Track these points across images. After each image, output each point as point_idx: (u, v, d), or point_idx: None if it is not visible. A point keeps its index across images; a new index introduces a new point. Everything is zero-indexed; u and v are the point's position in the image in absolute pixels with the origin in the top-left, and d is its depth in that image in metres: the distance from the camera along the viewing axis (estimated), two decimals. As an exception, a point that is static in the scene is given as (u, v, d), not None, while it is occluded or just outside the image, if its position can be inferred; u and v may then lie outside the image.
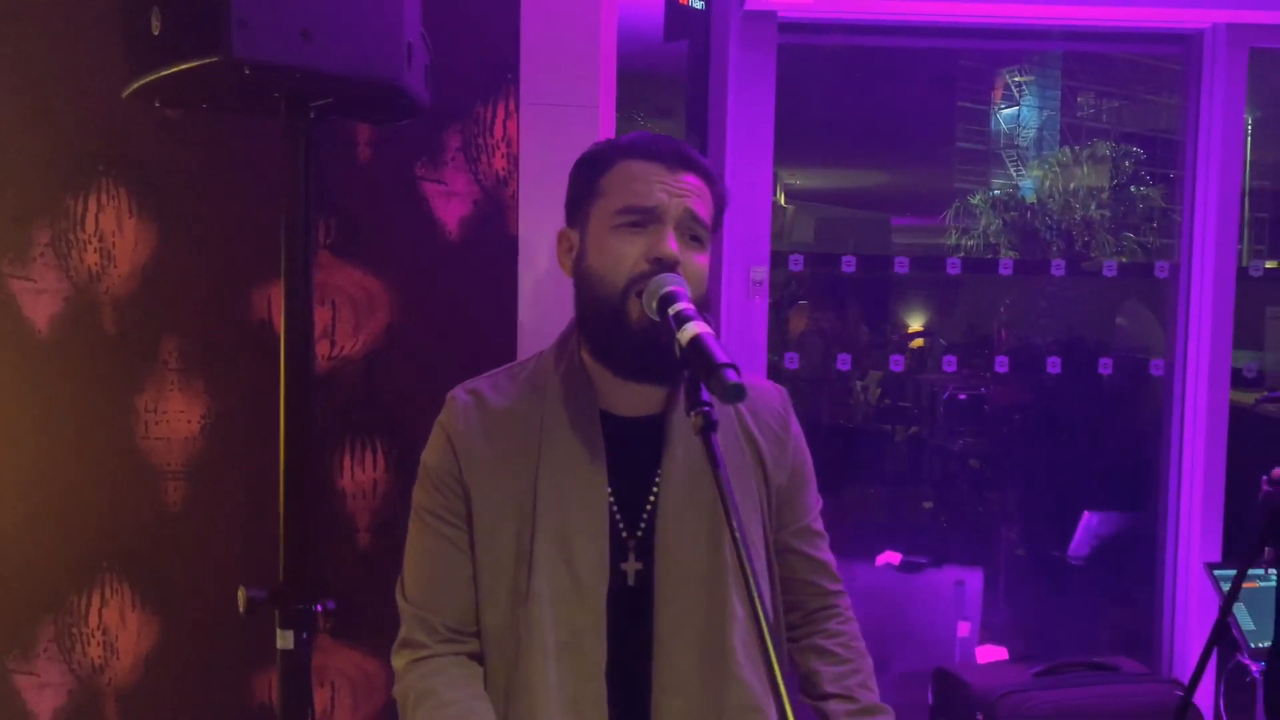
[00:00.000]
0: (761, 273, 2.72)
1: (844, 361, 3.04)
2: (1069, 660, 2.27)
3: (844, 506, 3.50)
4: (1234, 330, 2.75)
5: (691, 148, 1.29)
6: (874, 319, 3.60)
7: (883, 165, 4.85)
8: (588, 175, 1.27)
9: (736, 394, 0.98)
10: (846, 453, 3.69)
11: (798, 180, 4.66)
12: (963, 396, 3.64)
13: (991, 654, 2.62)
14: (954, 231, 4.97)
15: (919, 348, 3.85)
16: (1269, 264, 4.65)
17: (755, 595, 0.91)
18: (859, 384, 3.76)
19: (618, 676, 1.21)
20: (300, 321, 1.40)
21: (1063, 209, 5.44)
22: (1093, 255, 5.03)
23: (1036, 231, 5.46)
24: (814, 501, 1.40)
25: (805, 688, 1.35)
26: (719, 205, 1.29)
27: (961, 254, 4.80)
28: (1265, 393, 2.30)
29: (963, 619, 3.07)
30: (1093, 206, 5.40)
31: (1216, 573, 2.38)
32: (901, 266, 2.95)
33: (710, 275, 1.28)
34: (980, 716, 2.14)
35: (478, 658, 1.26)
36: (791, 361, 2.91)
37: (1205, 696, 2.68)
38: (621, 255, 1.20)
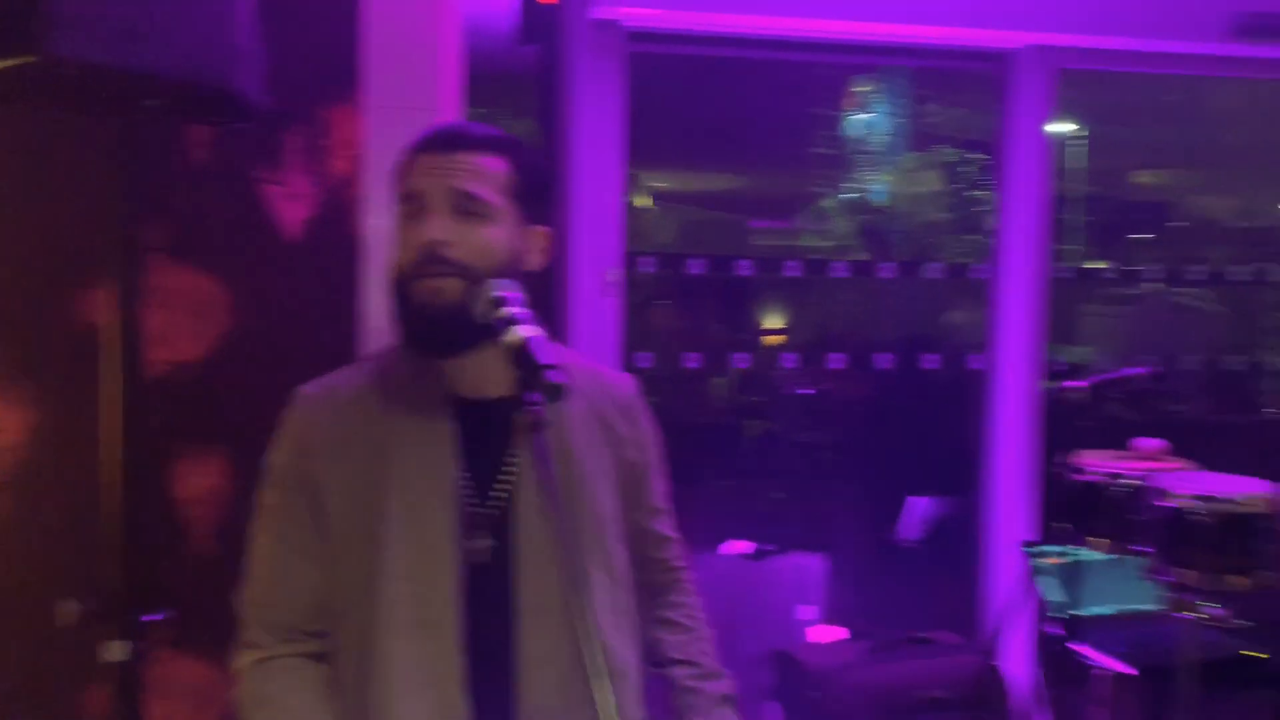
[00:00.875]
0: (615, 274, 2.80)
1: (693, 360, 3.14)
2: (894, 636, 2.43)
3: (699, 500, 3.62)
4: (1067, 326, 2.97)
5: (480, 126, 1.31)
6: (726, 318, 3.74)
7: (743, 169, 5.00)
8: (395, 176, 1.31)
9: (557, 393, 1.04)
10: (700, 449, 3.81)
11: (665, 183, 4.76)
12: (808, 392, 3.81)
13: (830, 635, 2.77)
14: (809, 233, 5.18)
15: (771, 345, 4.00)
16: (1096, 264, 5.01)
17: (612, 564, 0.95)
18: (717, 381, 3.89)
19: (479, 653, 1.23)
20: (130, 325, 1.38)
21: (909, 212, 5.74)
22: (936, 257, 5.32)
23: (886, 234, 5.73)
24: (662, 482, 1.47)
25: (651, 656, 1.42)
26: (522, 173, 1.29)
27: (820, 255, 5.00)
28: (1062, 381, 2.51)
29: (806, 603, 3.22)
30: (937, 210, 5.72)
31: (1030, 550, 2.59)
32: (745, 269, 3.08)
33: (559, 274, 1.32)
34: (815, 693, 2.27)
35: (321, 658, 1.28)
36: (644, 360, 3.00)
37: (1025, 664, 2.92)
38: (403, 244, 1.24)
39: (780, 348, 3.93)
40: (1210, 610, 2.45)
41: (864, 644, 2.44)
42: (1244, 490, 1.78)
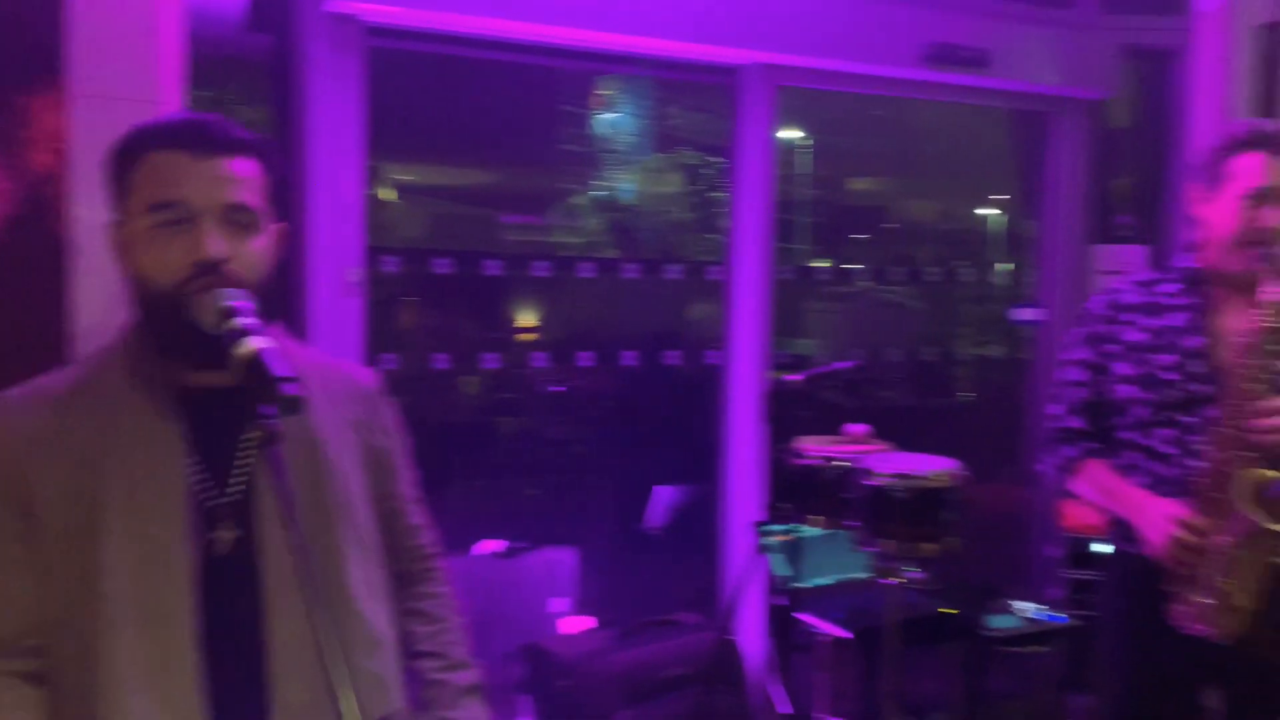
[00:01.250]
0: (357, 273, 2.73)
1: (442, 360, 3.13)
2: (640, 621, 2.56)
3: (452, 501, 3.61)
4: (795, 322, 3.21)
5: (234, 126, 1.25)
6: (476, 316, 3.74)
7: (493, 164, 5.00)
8: (118, 167, 1.22)
9: (293, 407, 1.03)
10: (452, 449, 3.80)
11: (412, 177, 4.68)
12: (558, 389, 3.89)
13: (579, 625, 2.85)
14: (560, 230, 5.27)
15: (522, 343, 4.05)
16: (820, 264, 5.42)
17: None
18: (467, 380, 3.88)
19: (222, 647, 1.20)
20: None
21: (655, 211, 5.97)
22: (679, 255, 5.57)
23: (633, 232, 5.93)
24: (410, 470, 1.46)
25: (402, 648, 1.41)
26: (271, 173, 1.26)
27: (567, 252, 5.10)
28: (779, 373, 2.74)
29: (558, 596, 3.30)
30: (681, 210, 5.99)
31: (759, 529, 2.79)
32: (494, 268, 3.11)
33: (297, 273, 1.29)
34: (564, 682, 2.34)
35: (39, 679, 1.19)
36: (390, 362, 2.96)
37: (758, 636, 3.14)
38: (164, 258, 1.18)
39: (531, 346, 3.98)
40: (910, 575, 2.75)
41: (611, 631, 2.54)
42: (933, 468, 2.03)
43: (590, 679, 2.32)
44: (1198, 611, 1.83)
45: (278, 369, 1.04)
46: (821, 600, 2.73)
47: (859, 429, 2.29)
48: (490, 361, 3.30)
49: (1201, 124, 3.31)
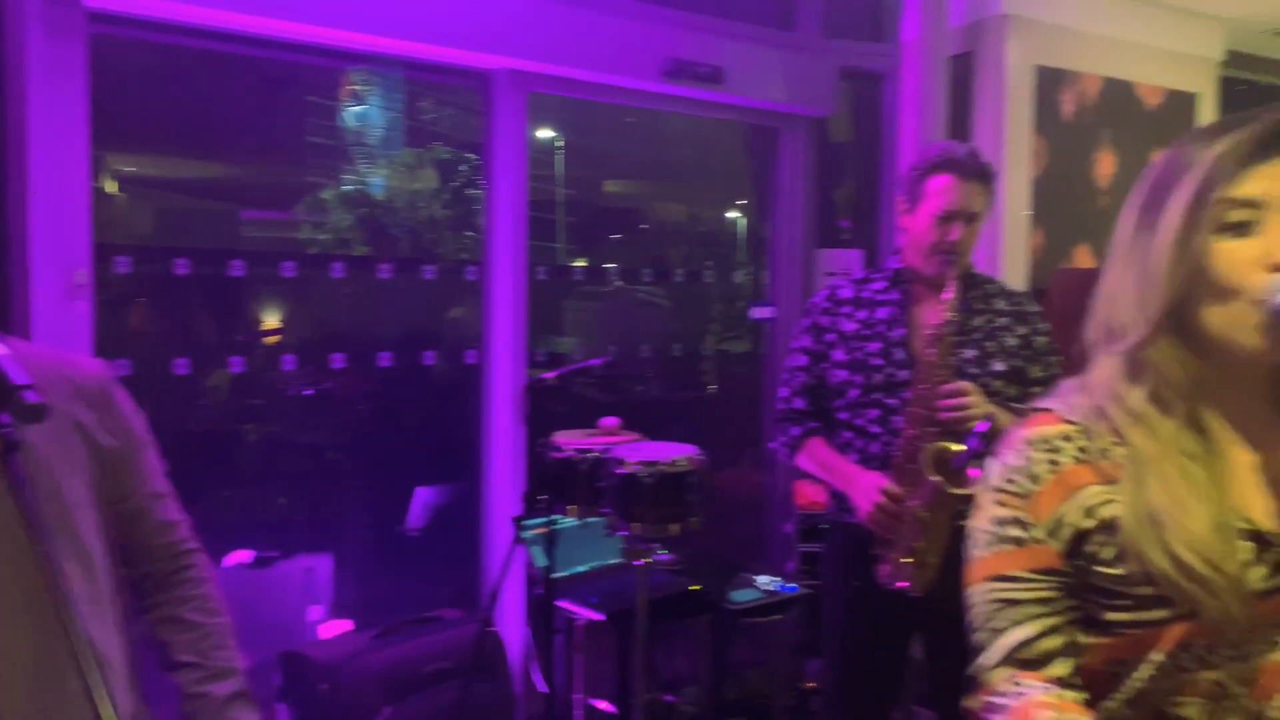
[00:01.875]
0: (83, 275, 2.56)
1: (182, 365, 2.99)
2: (400, 620, 2.57)
3: (198, 513, 3.42)
4: (556, 320, 3.29)
5: None
6: (218, 317, 3.57)
7: (233, 157, 4.75)
8: None
9: (35, 414, 0.99)
10: (196, 459, 3.61)
11: (146, 170, 4.36)
12: (309, 392, 3.79)
13: (336, 629, 2.82)
14: (308, 226, 5.08)
15: (271, 345, 3.89)
16: (578, 263, 5.54)
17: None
18: (214, 385, 3.69)
19: None
20: None
21: (408, 208, 5.88)
22: (435, 253, 5.52)
23: (386, 228, 5.80)
24: (156, 464, 1.39)
25: (161, 661, 1.35)
26: None
27: (315, 249, 4.92)
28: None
29: (315, 603, 3.24)
30: (436, 207, 5.93)
31: (518, 523, 2.87)
32: (238, 268, 3.00)
33: (15, 276, 1.22)
34: (324, 686, 2.32)
35: None
36: (124, 368, 2.79)
37: (519, 626, 3.22)
38: None
39: (279, 348, 3.85)
40: (659, 556, 2.93)
41: (369, 632, 2.54)
42: (676, 454, 2.19)
43: (350, 680, 2.31)
44: (898, 570, 2.09)
45: (16, 377, 1.01)
46: (579, 587, 2.85)
47: (611, 422, 2.42)
48: (236, 365, 3.19)
49: (907, 142, 3.71)
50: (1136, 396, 1.01)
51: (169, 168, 4.66)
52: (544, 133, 5.40)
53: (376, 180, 5.58)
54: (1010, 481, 1.03)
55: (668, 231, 6.15)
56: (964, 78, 3.73)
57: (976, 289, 2.26)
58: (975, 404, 2.06)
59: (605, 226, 6.00)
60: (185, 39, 2.82)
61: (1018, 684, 0.99)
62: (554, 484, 2.33)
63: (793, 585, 3.23)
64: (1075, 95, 3.83)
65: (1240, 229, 0.96)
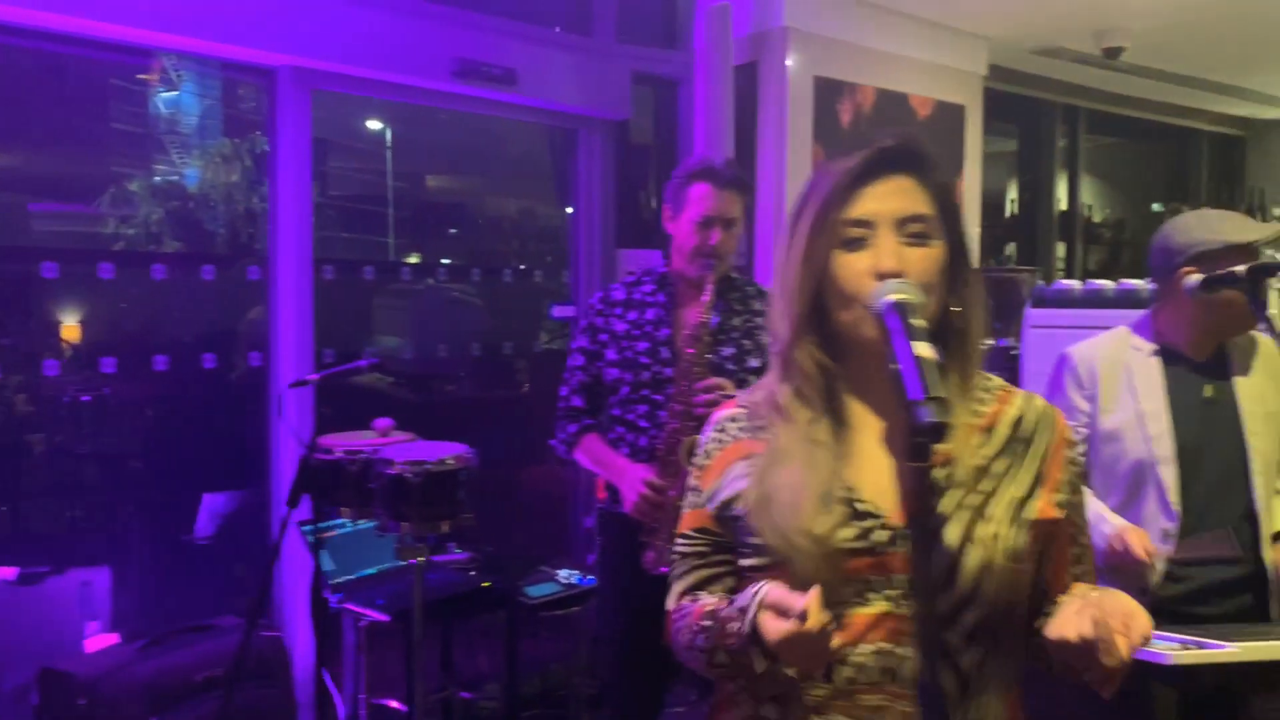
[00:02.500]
0: None
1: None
2: (171, 630, 2.50)
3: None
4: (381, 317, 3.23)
5: None
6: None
7: (18, 144, 4.43)
8: None
9: None
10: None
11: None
12: (85, 399, 3.61)
13: (103, 643, 2.71)
14: (111, 221, 4.79)
15: (42, 350, 3.68)
16: (409, 260, 5.45)
17: None
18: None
19: None
20: None
21: (225, 200, 5.62)
22: (256, 249, 5.30)
23: (200, 222, 5.53)
24: None
25: None
26: None
27: (122, 244, 4.66)
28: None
29: (91, 618, 3.09)
30: (255, 200, 5.69)
31: (304, 527, 2.83)
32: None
33: None
34: (82, 701, 2.24)
35: None
36: None
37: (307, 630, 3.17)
38: None
39: (53, 352, 3.64)
40: (455, 555, 2.96)
41: (135, 644, 2.46)
42: (443, 453, 2.22)
43: (110, 693, 2.24)
44: (660, 556, 2.20)
45: None
46: (368, 589, 2.84)
47: (384, 422, 2.43)
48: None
49: (699, 147, 3.85)
50: (784, 392, 1.16)
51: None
52: (374, 124, 5.29)
53: (191, 170, 5.32)
54: (698, 455, 1.24)
55: (504, 228, 6.14)
56: (750, 86, 3.91)
57: (736, 291, 2.40)
58: (728, 391, 2.19)
59: (430, 222, 5.92)
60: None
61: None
62: (326, 487, 2.32)
63: (591, 578, 3.32)
64: (853, 105, 4.07)
65: (855, 244, 1.12)
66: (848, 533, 1.09)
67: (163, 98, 3.72)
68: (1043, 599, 1.16)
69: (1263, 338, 2.22)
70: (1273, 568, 2.03)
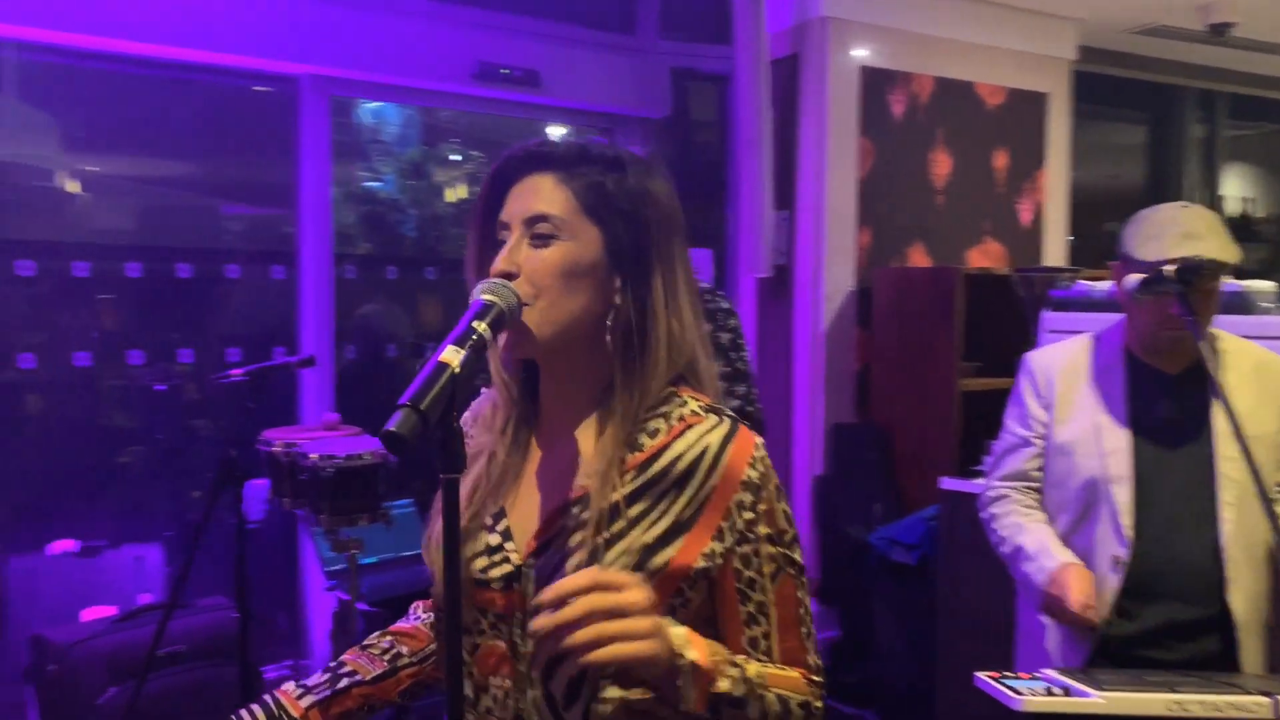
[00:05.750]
0: None
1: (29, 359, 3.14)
2: (150, 604, 2.67)
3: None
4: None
5: None
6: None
7: (218, 155, 4.79)
8: None
9: None
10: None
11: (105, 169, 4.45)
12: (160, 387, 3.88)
13: (98, 614, 2.91)
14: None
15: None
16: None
17: None
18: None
19: None
20: None
21: (415, 205, 5.94)
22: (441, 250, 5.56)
23: (391, 225, 5.89)
24: None
25: None
26: None
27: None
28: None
29: (144, 591, 3.35)
30: (439, 204, 5.97)
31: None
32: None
33: None
34: (53, 667, 2.43)
35: None
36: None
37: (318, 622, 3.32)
38: None
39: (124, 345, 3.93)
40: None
41: (112, 617, 2.65)
42: (361, 448, 2.27)
43: (76, 661, 2.42)
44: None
45: None
46: (367, 577, 2.91)
47: (331, 417, 2.50)
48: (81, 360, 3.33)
49: (742, 143, 3.74)
50: (491, 400, 1.14)
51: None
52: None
53: (388, 177, 5.62)
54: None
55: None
56: (793, 80, 3.77)
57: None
58: None
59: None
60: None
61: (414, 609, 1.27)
62: (273, 478, 2.40)
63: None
64: (907, 96, 3.85)
65: (501, 246, 1.05)
66: (480, 563, 1.05)
67: (368, 108, 3.96)
68: None
69: (1260, 350, 1.95)
70: (1240, 611, 1.78)
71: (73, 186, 3.97)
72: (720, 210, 4.09)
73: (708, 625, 1.03)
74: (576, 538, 1.00)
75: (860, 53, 3.73)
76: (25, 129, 3.75)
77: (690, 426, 1.05)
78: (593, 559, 0.99)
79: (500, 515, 1.06)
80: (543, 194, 1.04)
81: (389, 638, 1.23)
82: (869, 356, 3.73)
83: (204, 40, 3.02)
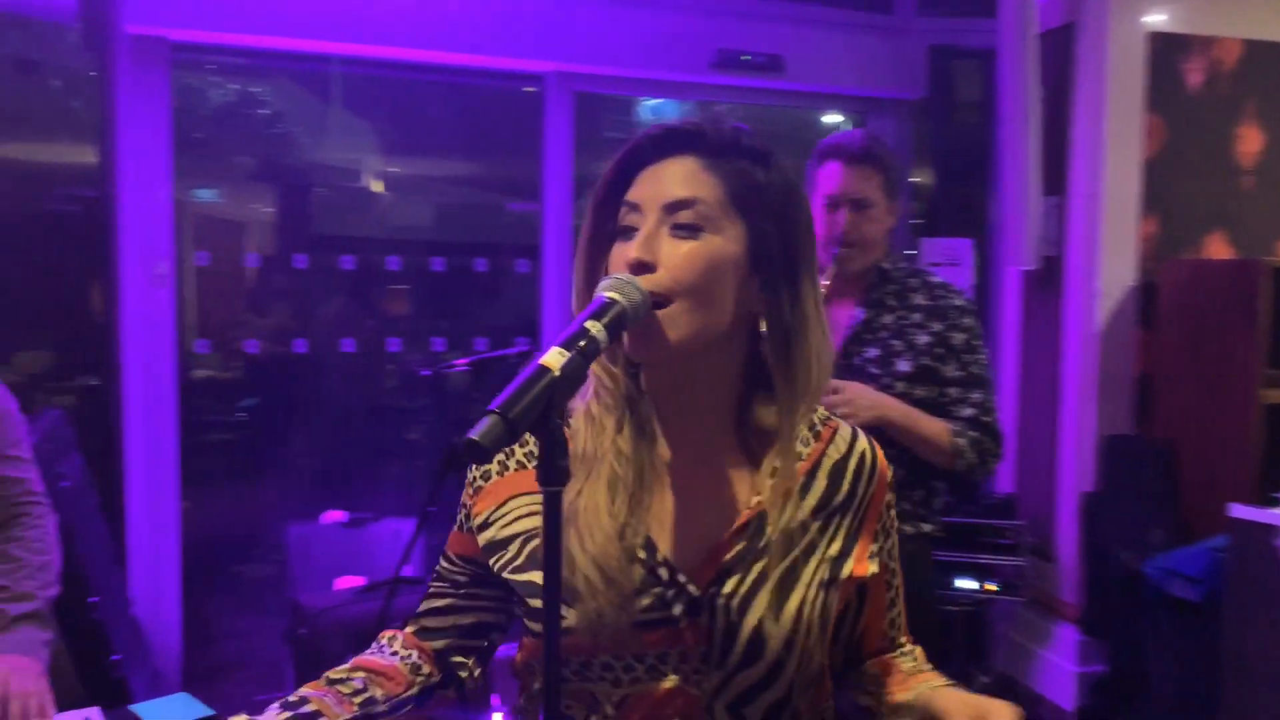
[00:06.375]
0: (164, 267, 3.05)
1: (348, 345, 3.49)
2: (386, 579, 2.82)
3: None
4: None
5: None
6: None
7: (501, 153, 5.15)
8: None
9: None
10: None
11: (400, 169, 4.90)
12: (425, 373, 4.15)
13: (350, 583, 3.11)
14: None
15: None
16: None
17: None
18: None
19: None
20: None
21: None
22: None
23: None
24: (12, 435, 1.70)
25: None
26: None
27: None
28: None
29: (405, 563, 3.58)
30: None
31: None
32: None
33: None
34: (304, 630, 2.63)
35: None
36: (203, 346, 3.30)
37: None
38: None
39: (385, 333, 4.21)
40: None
41: (358, 587, 2.82)
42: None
43: (323, 627, 2.60)
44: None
45: None
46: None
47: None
48: (348, 345, 3.61)
49: (1006, 123, 3.41)
50: (593, 401, 0.99)
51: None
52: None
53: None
54: (474, 473, 1.04)
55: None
56: (1067, 52, 3.39)
57: (891, 284, 2.12)
58: (855, 404, 1.95)
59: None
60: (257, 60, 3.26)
61: (382, 641, 1.09)
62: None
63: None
64: (1206, 64, 3.34)
65: (629, 232, 0.93)
66: (645, 600, 0.92)
67: (649, 105, 4.13)
68: (856, 651, 1.08)
69: None
70: None
71: (377, 186, 4.33)
72: (982, 196, 3.76)
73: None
74: (763, 561, 0.93)
75: (1150, 18, 3.28)
76: (348, 134, 4.15)
77: (835, 432, 1.03)
78: (788, 580, 0.93)
79: (652, 548, 0.93)
80: (689, 178, 0.92)
81: (361, 675, 1.02)
82: (1150, 361, 3.29)
83: (466, 44, 3.15)
